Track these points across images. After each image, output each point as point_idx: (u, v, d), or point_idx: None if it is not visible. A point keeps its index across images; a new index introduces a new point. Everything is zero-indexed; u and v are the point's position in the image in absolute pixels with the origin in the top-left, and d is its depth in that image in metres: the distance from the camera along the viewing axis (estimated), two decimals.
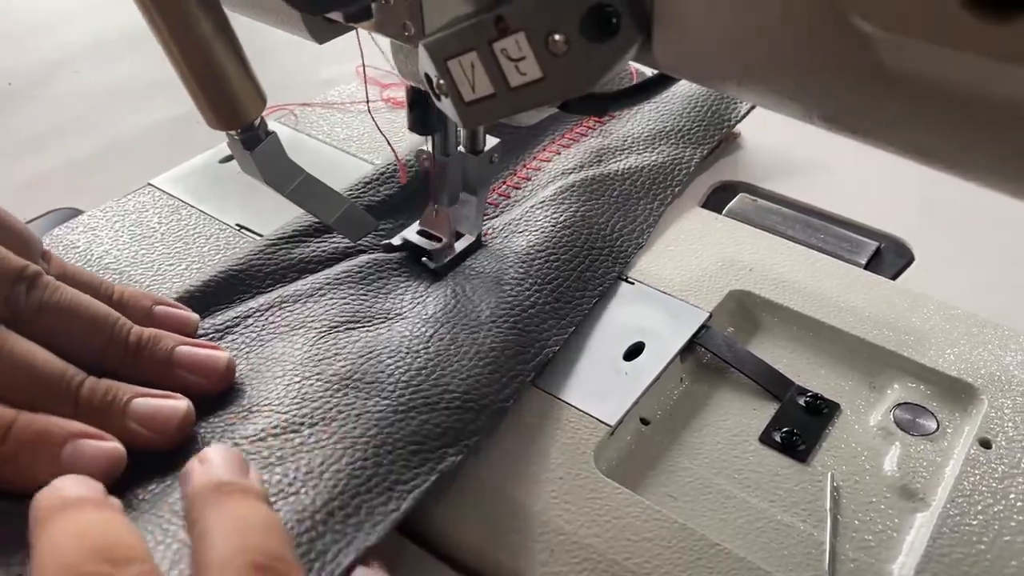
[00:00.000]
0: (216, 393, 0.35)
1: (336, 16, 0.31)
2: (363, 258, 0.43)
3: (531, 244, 0.43)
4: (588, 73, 0.26)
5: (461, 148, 0.42)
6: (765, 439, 0.38)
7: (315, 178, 0.38)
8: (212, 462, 0.29)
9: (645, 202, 0.48)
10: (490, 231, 0.46)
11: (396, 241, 0.44)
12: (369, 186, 0.48)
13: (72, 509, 0.26)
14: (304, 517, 0.29)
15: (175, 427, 0.33)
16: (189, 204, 0.49)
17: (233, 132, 0.34)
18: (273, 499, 0.30)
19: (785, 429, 0.38)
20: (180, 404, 0.33)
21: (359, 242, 0.44)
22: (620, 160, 0.51)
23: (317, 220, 0.43)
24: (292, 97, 0.58)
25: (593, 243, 0.44)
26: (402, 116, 0.56)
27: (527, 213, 0.46)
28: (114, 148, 0.58)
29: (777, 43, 0.22)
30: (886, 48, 0.19)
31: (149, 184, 0.50)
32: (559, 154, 0.52)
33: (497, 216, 0.48)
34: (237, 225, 0.47)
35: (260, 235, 0.46)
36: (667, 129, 0.53)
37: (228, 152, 0.53)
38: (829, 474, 0.36)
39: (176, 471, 0.31)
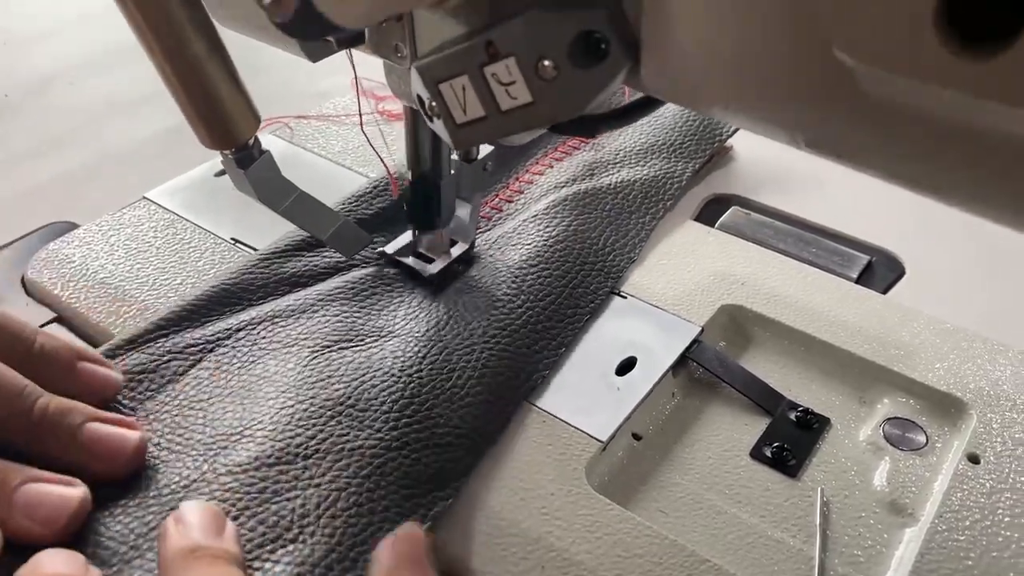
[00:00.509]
0: (121, 478, 0.33)
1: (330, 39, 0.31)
2: (356, 273, 0.43)
3: (523, 259, 0.44)
4: (578, 98, 0.26)
5: (455, 156, 0.42)
6: (756, 454, 0.38)
7: (309, 195, 0.38)
8: (188, 523, 0.29)
9: (637, 216, 0.48)
10: (483, 244, 0.46)
11: (390, 249, 0.44)
12: (362, 199, 0.48)
13: None
14: (304, 571, 0.30)
15: (64, 522, 0.30)
16: (184, 218, 0.49)
17: (227, 151, 0.34)
18: (271, 544, 0.31)
19: (776, 444, 0.38)
20: (73, 495, 0.31)
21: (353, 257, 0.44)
22: (612, 174, 0.51)
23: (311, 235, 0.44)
24: (288, 109, 0.59)
25: (585, 258, 0.45)
26: (396, 128, 0.57)
27: (520, 227, 0.46)
28: (109, 160, 0.58)
29: (762, 71, 0.22)
30: (867, 79, 0.20)
31: (144, 198, 0.51)
32: (552, 167, 0.53)
33: (490, 229, 0.48)
34: (232, 239, 0.47)
35: (255, 249, 0.46)
36: (659, 143, 0.54)
37: (222, 167, 0.53)
38: (819, 489, 0.36)
39: (156, 509, 0.32)
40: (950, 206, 0.22)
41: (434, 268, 0.43)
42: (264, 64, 0.65)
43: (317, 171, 0.53)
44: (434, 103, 0.29)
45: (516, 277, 0.42)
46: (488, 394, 0.37)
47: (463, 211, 0.44)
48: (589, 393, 0.39)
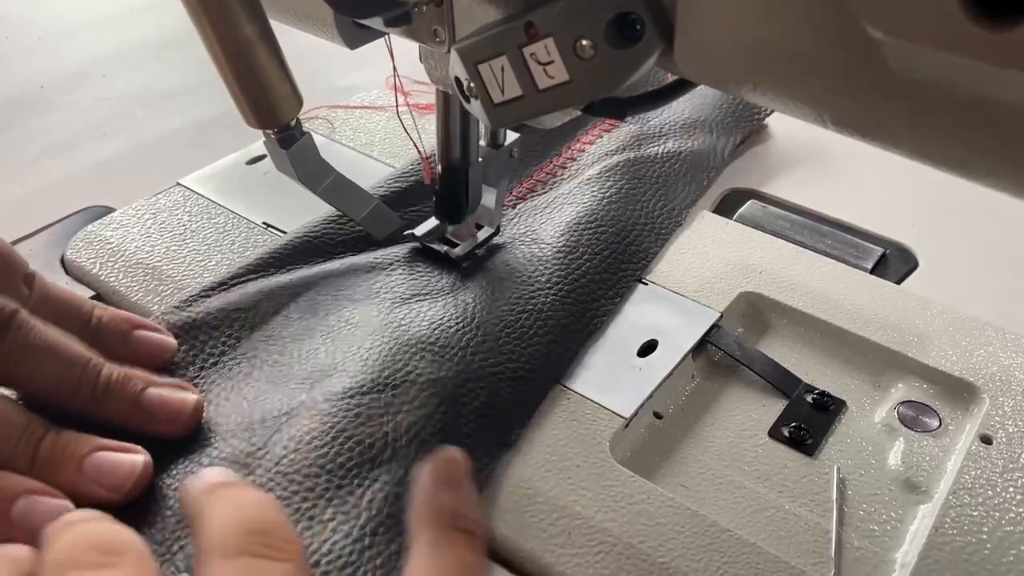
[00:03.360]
0: (180, 437, 0.35)
1: (374, 23, 0.32)
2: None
3: (581, 216, 0.47)
4: (613, 77, 0.27)
5: (483, 143, 0.44)
6: (774, 433, 0.39)
7: (345, 177, 0.39)
8: (207, 474, 0.30)
9: (683, 184, 0.52)
10: (542, 204, 0.49)
11: (418, 231, 0.46)
12: (392, 183, 0.50)
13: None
14: (401, 491, 0.33)
15: (131, 485, 0.32)
16: (217, 203, 0.50)
17: (270, 131, 0.35)
18: (368, 464, 0.34)
19: (793, 424, 0.39)
20: (137, 460, 0.33)
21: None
22: (659, 145, 0.54)
23: None
24: (314, 105, 0.60)
25: (637, 219, 0.48)
26: (422, 121, 0.58)
27: (576, 188, 0.50)
28: (142, 149, 0.59)
29: (792, 51, 0.23)
30: (893, 54, 0.21)
31: (179, 184, 0.52)
32: (601, 137, 0.56)
33: (546, 191, 0.51)
34: (263, 223, 0.49)
35: (285, 232, 0.47)
36: (702, 119, 0.57)
37: (254, 154, 0.55)
38: (835, 467, 0.37)
39: (261, 432, 0.35)
40: (971, 181, 0.23)
41: (460, 251, 0.45)
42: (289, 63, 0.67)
43: (344, 160, 0.55)
44: (472, 84, 0.31)
45: (575, 232, 0.46)
46: (554, 335, 0.41)
47: (489, 196, 0.45)
48: (612, 373, 0.40)
